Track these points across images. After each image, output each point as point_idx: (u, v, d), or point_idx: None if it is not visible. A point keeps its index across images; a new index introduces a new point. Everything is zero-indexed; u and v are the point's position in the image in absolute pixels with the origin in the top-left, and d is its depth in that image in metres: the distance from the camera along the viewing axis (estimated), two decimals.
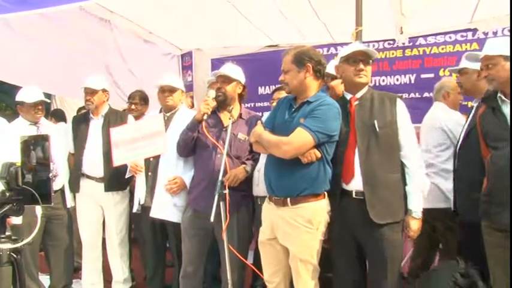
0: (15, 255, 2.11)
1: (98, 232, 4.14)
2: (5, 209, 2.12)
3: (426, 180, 2.84)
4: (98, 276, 4.14)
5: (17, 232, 2.50)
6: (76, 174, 4.03)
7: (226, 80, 3.41)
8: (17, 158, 2.14)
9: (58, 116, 5.79)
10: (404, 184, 2.82)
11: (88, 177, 4.00)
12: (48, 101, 4.19)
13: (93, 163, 3.97)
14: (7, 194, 2.12)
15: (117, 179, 3.94)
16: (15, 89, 4.08)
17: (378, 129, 2.74)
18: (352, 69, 2.83)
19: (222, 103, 3.41)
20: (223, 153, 3.16)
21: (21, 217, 2.48)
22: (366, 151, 2.74)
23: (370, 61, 2.86)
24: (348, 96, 2.90)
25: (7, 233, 2.15)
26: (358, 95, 2.88)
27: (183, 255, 3.47)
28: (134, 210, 3.79)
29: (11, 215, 2.22)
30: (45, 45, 4.48)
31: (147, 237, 3.94)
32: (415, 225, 2.81)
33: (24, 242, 2.14)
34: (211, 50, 6.33)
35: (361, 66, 2.81)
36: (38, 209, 2.41)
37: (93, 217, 4.07)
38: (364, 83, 2.86)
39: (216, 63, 5.88)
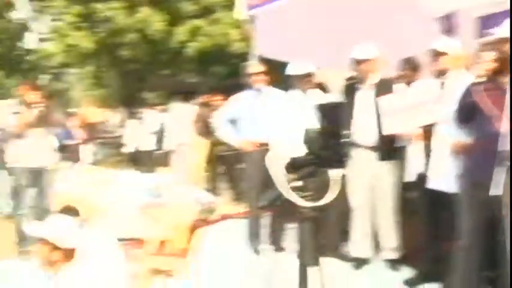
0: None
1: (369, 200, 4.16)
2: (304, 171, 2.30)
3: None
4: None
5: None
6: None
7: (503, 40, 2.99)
8: (315, 124, 2.28)
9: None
10: None
11: (359, 146, 4.01)
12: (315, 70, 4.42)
13: (364, 132, 3.98)
14: (307, 157, 2.29)
15: (389, 148, 3.92)
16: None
17: None
18: None
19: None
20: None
21: None
22: None
23: None
24: None
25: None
26: None
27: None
28: (410, 179, 3.72)
29: (307, 178, 2.39)
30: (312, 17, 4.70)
31: (422, 208, 3.82)
32: None
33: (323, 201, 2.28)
34: (475, 8, 5.72)
35: None
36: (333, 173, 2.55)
37: (364, 185, 4.11)
38: None
39: (484, 22, 5.30)
